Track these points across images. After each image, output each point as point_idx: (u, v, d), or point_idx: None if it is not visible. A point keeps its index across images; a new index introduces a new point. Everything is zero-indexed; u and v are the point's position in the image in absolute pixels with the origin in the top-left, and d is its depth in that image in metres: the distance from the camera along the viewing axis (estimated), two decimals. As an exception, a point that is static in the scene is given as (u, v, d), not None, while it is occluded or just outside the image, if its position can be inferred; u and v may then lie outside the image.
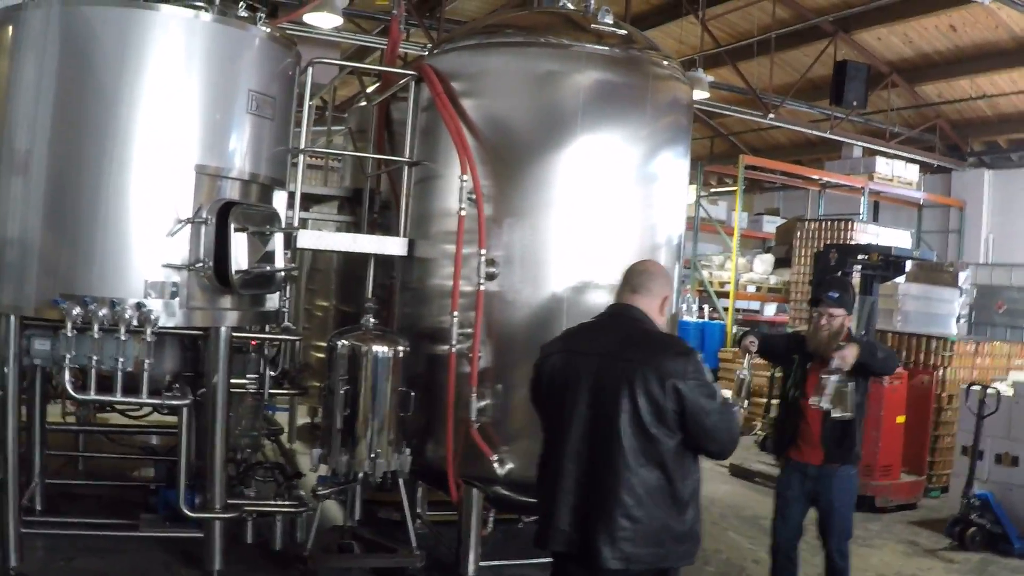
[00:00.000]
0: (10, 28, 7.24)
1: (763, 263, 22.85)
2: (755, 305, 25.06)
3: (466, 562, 7.86)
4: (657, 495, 4.61)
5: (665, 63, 8.27)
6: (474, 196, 7.53)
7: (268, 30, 7.64)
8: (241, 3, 7.63)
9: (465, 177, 7.55)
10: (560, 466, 4.78)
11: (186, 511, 7.41)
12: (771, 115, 21.60)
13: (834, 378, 6.87)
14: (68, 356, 6.85)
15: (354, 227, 9.37)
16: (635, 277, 5.05)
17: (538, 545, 4.92)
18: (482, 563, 7.95)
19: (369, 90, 11.10)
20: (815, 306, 7.41)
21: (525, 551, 8.37)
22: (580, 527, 4.68)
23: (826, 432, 7.02)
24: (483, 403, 7.51)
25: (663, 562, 4.70)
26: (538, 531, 4.93)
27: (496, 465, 7.35)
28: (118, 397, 7.07)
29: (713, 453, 4.84)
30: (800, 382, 7.31)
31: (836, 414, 6.94)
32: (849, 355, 6.88)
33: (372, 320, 7.79)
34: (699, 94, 17.38)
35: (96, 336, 6.70)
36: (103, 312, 6.68)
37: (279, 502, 8.05)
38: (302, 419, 12.24)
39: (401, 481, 7.88)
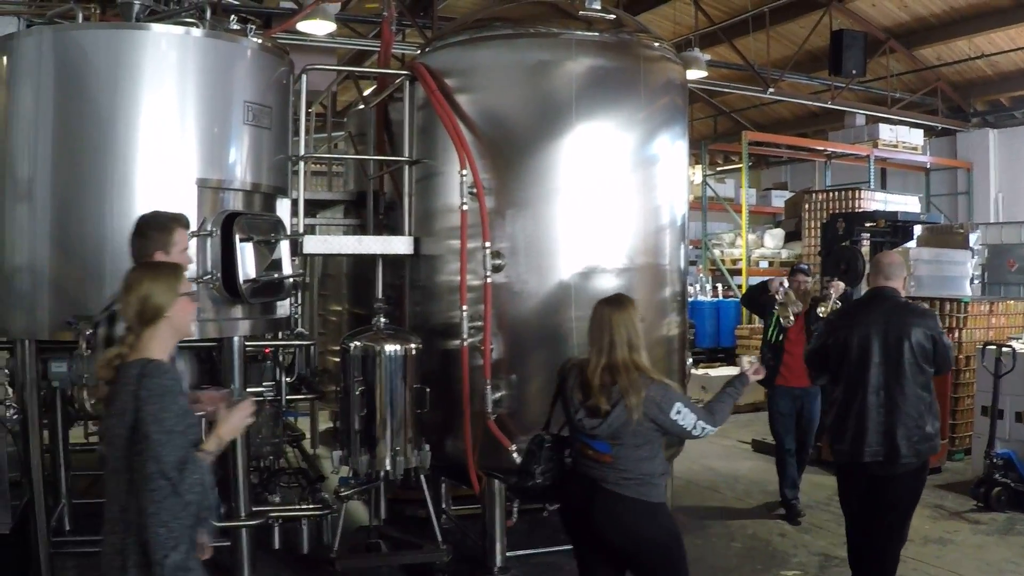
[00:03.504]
0: (4, 58, 7.29)
1: (773, 238, 22.87)
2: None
3: (493, 553, 7.90)
4: (924, 409, 6.75)
5: (656, 45, 8.29)
6: (475, 190, 7.56)
7: (260, 41, 7.67)
8: (232, 16, 7.67)
9: (465, 172, 7.58)
10: (865, 402, 6.76)
11: (212, 521, 7.44)
12: (771, 89, 21.61)
13: (783, 288, 9.92)
14: (85, 376, 6.89)
15: (361, 230, 9.40)
16: (885, 268, 7.07)
17: (854, 459, 6.83)
18: (509, 553, 8.00)
19: (366, 93, 11.11)
20: (792, 276, 10.39)
21: (551, 539, 8.45)
22: (885, 439, 6.68)
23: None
24: (498, 394, 7.55)
25: (929, 452, 6.84)
26: (850, 450, 6.84)
27: (515, 455, 7.34)
28: (137, 412, 7.14)
29: (942, 372, 7.19)
30: (781, 328, 10.05)
31: (796, 310, 9.86)
32: (839, 284, 9.82)
33: (383, 320, 7.84)
34: (697, 73, 17.42)
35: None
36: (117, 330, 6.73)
37: (304, 506, 8.10)
38: (323, 424, 12.31)
39: (424, 478, 7.92)
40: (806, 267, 10.86)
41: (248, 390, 7.45)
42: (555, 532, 8.78)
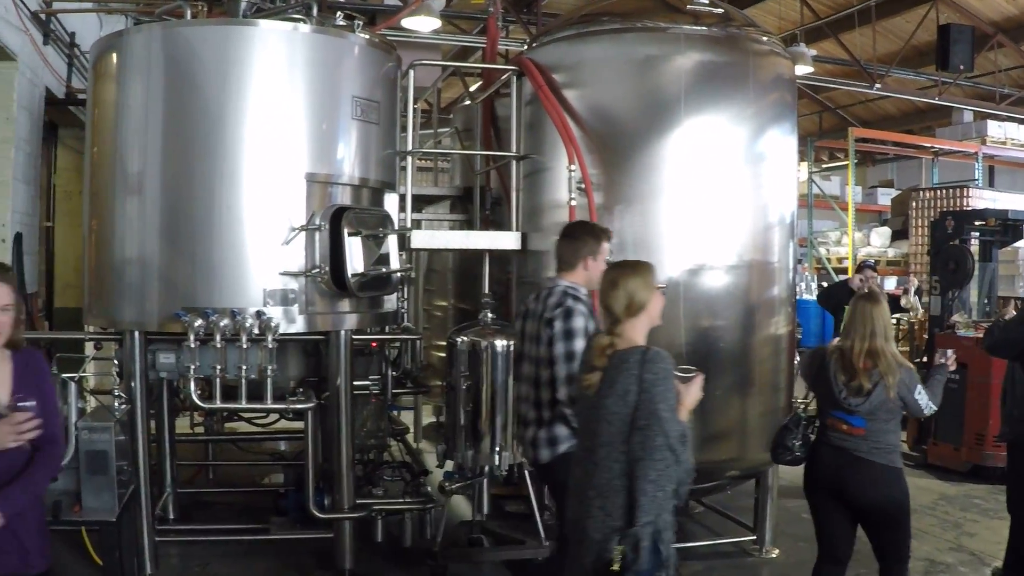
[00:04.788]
0: (114, 55, 7.40)
1: (880, 236, 22.52)
2: (892, 281, 24.68)
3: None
4: None
5: (764, 39, 8.20)
6: (583, 186, 7.53)
7: (367, 37, 7.71)
8: (338, 13, 7.71)
9: (573, 167, 7.55)
10: None
11: (316, 513, 7.50)
12: (877, 85, 21.25)
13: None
14: (192, 367, 6.99)
15: (467, 225, 9.41)
16: None
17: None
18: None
19: (472, 89, 11.13)
20: (859, 272, 10.67)
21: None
22: None
23: None
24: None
25: None
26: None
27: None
28: (243, 404, 7.22)
29: None
30: None
31: None
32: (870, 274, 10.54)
33: (490, 315, 7.83)
34: (803, 69, 17.19)
35: (219, 346, 6.82)
36: (224, 322, 6.79)
37: (407, 500, 8.12)
38: (427, 418, 12.36)
39: (527, 473, 7.90)
40: (872, 263, 11.83)
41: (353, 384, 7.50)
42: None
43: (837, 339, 6.44)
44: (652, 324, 4.90)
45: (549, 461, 5.90)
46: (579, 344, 5.64)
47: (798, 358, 9.00)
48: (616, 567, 4.35)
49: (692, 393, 4.79)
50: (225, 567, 7.90)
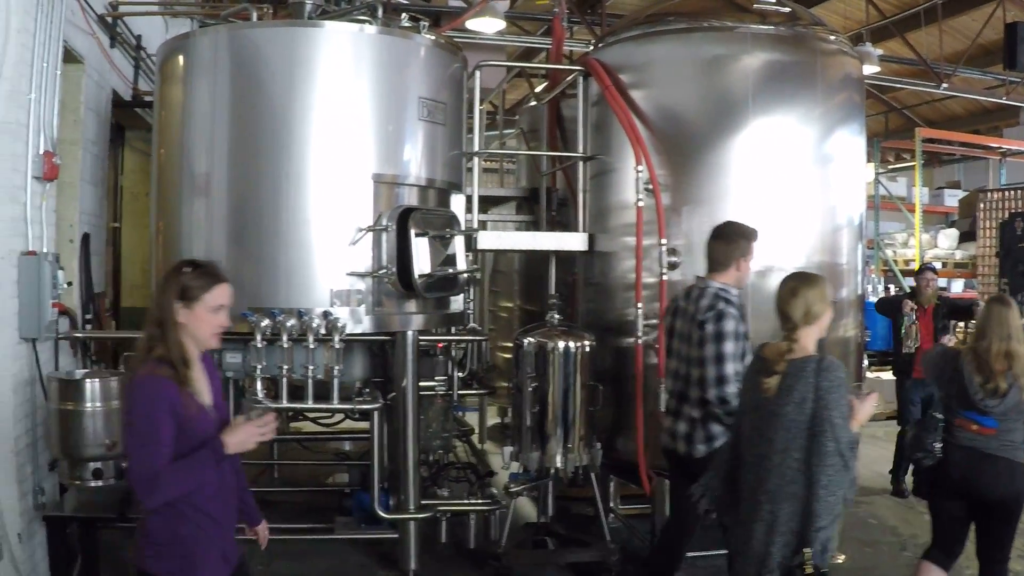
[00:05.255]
0: (181, 57, 7.45)
1: (947, 238, 22.19)
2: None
3: (665, 553, 7.80)
4: None
5: (832, 38, 8.14)
6: (651, 186, 7.50)
7: (433, 38, 7.70)
8: (403, 14, 7.70)
9: (640, 168, 7.52)
10: None
11: (381, 513, 7.50)
12: (944, 85, 20.95)
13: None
14: (259, 367, 7.01)
15: (533, 226, 9.40)
16: None
17: None
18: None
19: (538, 90, 11.10)
20: (920, 275, 11.18)
21: (720, 541, 8.31)
22: None
23: None
24: (672, 392, 7.46)
25: None
26: None
27: (688, 455, 7.28)
28: (309, 404, 7.23)
29: None
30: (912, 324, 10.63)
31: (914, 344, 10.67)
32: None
33: (557, 317, 7.80)
34: (869, 68, 16.98)
35: (285, 346, 6.83)
36: (291, 323, 6.81)
37: (472, 501, 8.10)
38: (492, 419, 12.34)
39: (593, 476, 7.87)
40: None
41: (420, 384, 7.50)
42: (725, 534, 8.68)
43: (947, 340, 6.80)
44: (821, 335, 5.03)
45: (704, 456, 6.05)
46: (729, 347, 5.90)
47: (866, 361, 8.92)
48: (809, 572, 4.57)
49: (866, 409, 4.94)
50: (288, 565, 7.91)
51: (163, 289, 4.19)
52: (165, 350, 4.07)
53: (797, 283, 5.05)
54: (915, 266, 20.52)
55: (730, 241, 6.25)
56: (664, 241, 7.47)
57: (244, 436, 4.20)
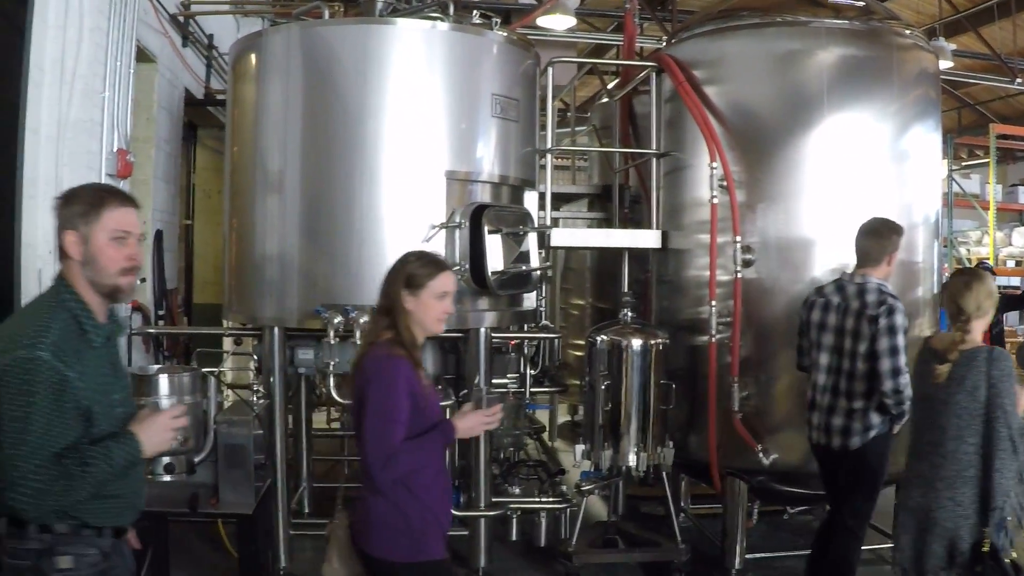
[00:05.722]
0: (253, 55, 7.49)
1: (1022, 236, 21.88)
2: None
3: (732, 555, 7.73)
4: None
5: (907, 33, 7.99)
6: (725, 183, 7.43)
7: (505, 34, 7.68)
8: (475, 11, 7.70)
9: (715, 165, 7.46)
10: None
11: (452, 510, 7.49)
12: (1018, 80, 20.64)
13: None
14: (332, 363, 7.03)
15: (605, 223, 9.36)
16: None
17: None
18: (747, 555, 7.80)
19: (610, 86, 11.05)
20: None
21: (790, 543, 8.25)
22: None
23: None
24: (745, 393, 7.40)
25: None
26: None
27: (760, 455, 7.21)
28: (381, 400, 7.23)
29: None
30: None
31: None
32: None
33: (630, 314, 7.74)
34: (943, 64, 16.76)
35: (358, 342, 6.84)
36: (364, 319, 6.81)
37: (543, 499, 8.05)
38: (562, 417, 12.30)
39: (664, 474, 7.80)
40: (989, 265, 12.26)
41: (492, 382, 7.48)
42: (794, 536, 8.59)
43: None
44: (983, 329, 5.42)
45: (860, 447, 6.30)
46: (900, 340, 6.16)
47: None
48: (986, 549, 5.01)
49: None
50: (357, 561, 7.92)
51: (391, 279, 4.41)
52: (396, 335, 4.27)
53: (970, 278, 5.42)
54: (989, 265, 20.36)
55: (883, 237, 6.48)
56: (739, 238, 7.38)
57: (473, 423, 4.54)
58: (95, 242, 3.60)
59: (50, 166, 6.56)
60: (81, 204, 3.63)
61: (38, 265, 6.50)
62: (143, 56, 8.34)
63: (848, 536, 6.52)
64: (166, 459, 6.52)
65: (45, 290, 3.74)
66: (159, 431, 3.72)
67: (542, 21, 11.71)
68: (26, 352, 3.37)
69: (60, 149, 6.59)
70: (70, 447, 3.41)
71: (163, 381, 6.57)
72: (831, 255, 7.42)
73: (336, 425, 10.74)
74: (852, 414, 6.32)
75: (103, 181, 6.82)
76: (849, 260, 7.26)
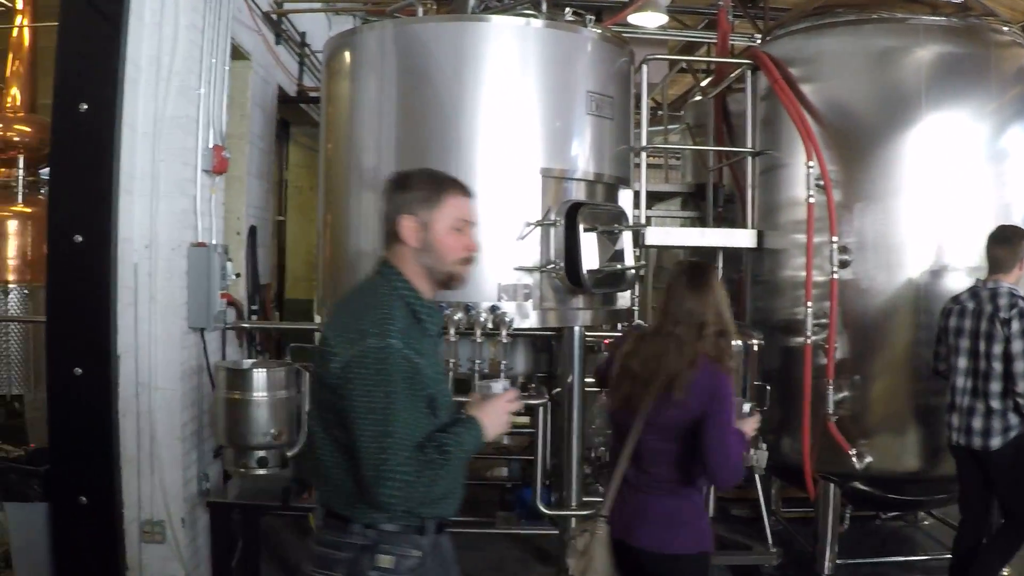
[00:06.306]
0: (347, 52, 7.52)
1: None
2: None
3: (823, 560, 7.69)
4: None
5: (1005, 29, 7.88)
6: (822, 183, 7.35)
7: (599, 31, 7.66)
8: (567, 8, 7.69)
9: (811, 164, 7.38)
10: None
11: (543, 509, 7.49)
12: (1119, 79, 20.25)
13: None
14: (451, 360, 7.05)
15: (698, 222, 9.31)
16: None
17: None
18: (839, 561, 7.74)
19: (703, 84, 11.00)
20: None
21: (882, 549, 8.16)
22: None
23: None
24: (840, 395, 7.32)
25: None
26: None
27: (854, 459, 7.15)
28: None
29: None
30: None
31: None
32: None
33: (725, 314, 7.66)
34: (1040, 62, 16.51)
35: (452, 340, 6.85)
36: (458, 316, 6.82)
37: (634, 499, 8.01)
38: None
39: (757, 477, 7.74)
40: None
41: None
42: (886, 542, 8.49)
43: None
44: None
45: (1000, 447, 6.49)
46: None
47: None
48: None
49: None
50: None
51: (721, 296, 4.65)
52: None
53: None
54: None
55: (1013, 244, 6.67)
56: (835, 239, 7.30)
57: None
58: (436, 229, 3.61)
59: (146, 162, 6.64)
60: (421, 190, 3.65)
61: (134, 259, 6.59)
62: (237, 53, 8.41)
63: (1013, 535, 6.71)
64: (260, 453, 6.60)
65: (368, 277, 3.78)
66: (499, 415, 3.72)
67: (633, 19, 11.67)
68: (377, 341, 3.34)
69: (156, 145, 6.66)
70: (429, 436, 3.39)
71: (258, 375, 6.64)
72: (928, 256, 7.35)
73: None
74: (991, 415, 6.48)
75: (199, 177, 6.90)
76: (947, 260, 7.27)
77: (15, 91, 11.34)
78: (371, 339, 3.34)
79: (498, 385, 3.99)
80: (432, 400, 3.47)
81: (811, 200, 7.38)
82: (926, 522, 9.13)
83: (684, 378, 4.42)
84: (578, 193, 7.23)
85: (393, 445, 3.27)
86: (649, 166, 8.35)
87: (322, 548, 3.55)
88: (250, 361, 7.24)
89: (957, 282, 7.22)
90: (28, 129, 11.11)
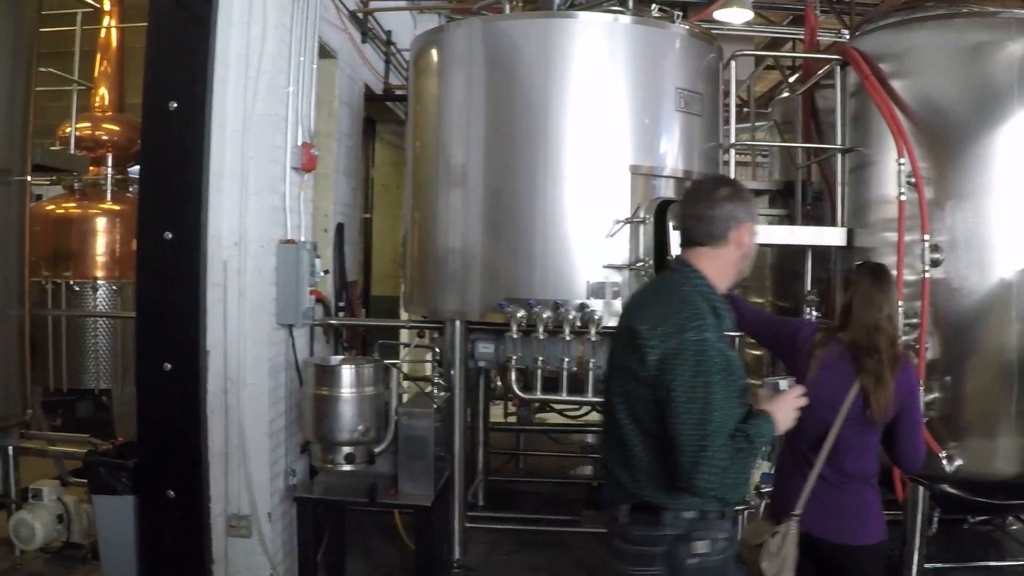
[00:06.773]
0: (434, 50, 7.58)
1: None
2: None
3: (910, 563, 7.55)
4: None
5: (1099, 21, 7.69)
6: (913, 180, 7.23)
7: (687, 27, 7.63)
8: (653, 4, 7.66)
9: (903, 161, 7.26)
10: None
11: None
12: None
13: None
14: (514, 358, 7.07)
15: (786, 220, 9.21)
16: None
17: None
18: (926, 565, 7.63)
19: (791, 80, 10.89)
20: None
21: (967, 553, 8.05)
22: None
23: None
24: (931, 396, 7.18)
25: None
26: None
27: (944, 462, 7.02)
28: (564, 396, 7.25)
29: None
30: None
31: None
32: None
33: (814, 313, 7.63)
34: None
35: (541, 337, 6.87)
36: (547, 314, 6.84)
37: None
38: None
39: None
40: None
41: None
42: (972, 546, 8.37)
43: None
44: None
45: None
46: None
47: None
48: None
49: None
50: (531, 556, 7.99)
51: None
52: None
53: None
54: None
55: None
56: (927, 237, 7.16)
57: None
58: (752, 236, 3.90)
59: (236, 159, 6.74)
60: (749, 200, 3.94)
61: (223, 256, 6.70)
62: (324, 52, 8.49)
63: None
64: (347, 449, 6.65)
65: (663, 276, 4.11)
66: (789, 410, 3.94)
67: (718, 15, 11.60)
68: (695, 335, 3.56)
69: (246, 143, 6.75)
70: (736, 426, 3.59)
71: (346, 372, 6.70)
72: (1021, 255, 7.17)
73: (513, 419, 10.82)
74: None
75: (288, 174, 6.97)
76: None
77: (103, 91, 11.57)
78: (689, 332, 3.55)
79: (785, 382, 4.15)
80: (744, 391, 3.71)
81: (902, 198, 7.26)
82: (1014, 527, 8.99)
83: (892, 374, 4.61)
84: (667, 190, 7.23)
85: (712, 432, 3.46)
86: (737, 163, 8.27)
87: (635, 547, 3.73)
88: (338, 358, 7.30)
89: (1051, 282, 7.08)
90: (116, 128, 11.33)
